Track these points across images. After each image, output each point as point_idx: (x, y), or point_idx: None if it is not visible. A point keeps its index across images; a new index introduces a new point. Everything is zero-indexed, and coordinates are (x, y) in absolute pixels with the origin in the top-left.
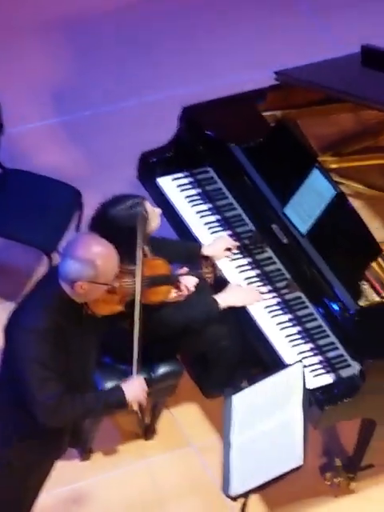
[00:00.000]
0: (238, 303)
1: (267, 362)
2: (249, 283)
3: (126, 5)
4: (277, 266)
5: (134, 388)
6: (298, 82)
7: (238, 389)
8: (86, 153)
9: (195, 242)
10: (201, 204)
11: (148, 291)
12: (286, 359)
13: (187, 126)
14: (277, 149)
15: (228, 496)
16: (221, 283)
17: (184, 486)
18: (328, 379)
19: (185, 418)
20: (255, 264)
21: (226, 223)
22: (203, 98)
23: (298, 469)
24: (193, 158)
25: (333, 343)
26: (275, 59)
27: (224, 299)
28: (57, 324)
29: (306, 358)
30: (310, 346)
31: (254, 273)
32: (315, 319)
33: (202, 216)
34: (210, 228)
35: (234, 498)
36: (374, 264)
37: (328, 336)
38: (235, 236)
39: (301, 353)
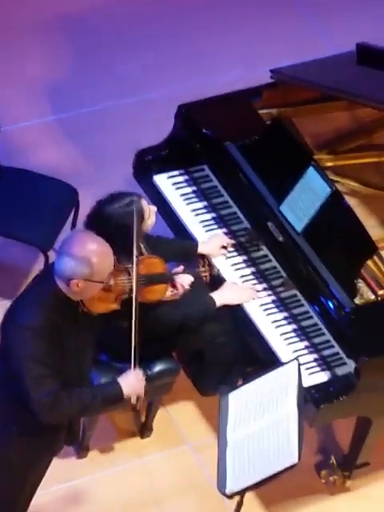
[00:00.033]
0: (233, 301)
1: (263, 360)
2: (244, 281)
3: (122, 4)
4: (272, 264)
5: (131, 381)
6: (294, 80)
7: (234, 387)
8: (82, 151)
9: (191, 240)
10: (196, 202)
11: (144, 290)
12: (282, 357)
13: (183, 124)
14: (272, 147)
15: (224, 494)
16: (217, 282)
17: (180, 483)
18: (323, 377)
19: (181, 416)
20: (251, 262)
21: (222, 221)
22: (199, 96)
23: (293, 467)
24: (189, 156)
25: (328, 341)
26: (271, 58)
27: (220, 297)
28: (52, 321)
29: (301, 355)
30: (305, 343)
31: (249, 271)
32: (311, 317)
33: (198, 214)
34: (205, 226)
35: (230, 496)
36: (369, 262)
37: (323, 334)
38: (231, 234)
39: (296, 351)
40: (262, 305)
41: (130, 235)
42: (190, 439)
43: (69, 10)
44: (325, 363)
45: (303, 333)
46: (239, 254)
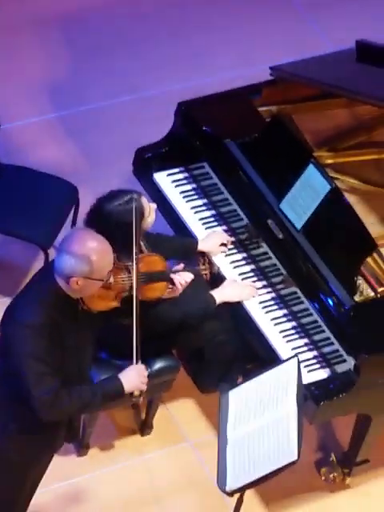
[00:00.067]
0: (233, 298)
1: (263, 358)
2: (244, 278)
3: (122, 3)
4: (272, 262)
5: (132, 376)
6: (293, 77)
7: (234, 384)
8: (82, 148)
9: (191, 238)
10: (196, 199)
11: (144, 287)
12: (282, 354)
13: (183, 122)
14: (272, 144)
15: (224, 491)
16: (217, 279)
17: (180, 481)
18: (323, 374)
19: (181, 413)
20: (250, 259)
21: (222, 219)
22: (199, 94)
23: (293, 464)
24: (188, 154)
25: (328, 338)
26: (271, 56)
27: (220, 294)
28: (52, 319)
29: (301, 353)
30: (305, 341)
31: (249, 268)
32: (310, 314)
33: (198, 211)
34: (205, 223)
35: (230, 493)
36: (369, 259)
37: (323, 331)
38: (230, 231)
39: (296, 348)
40: (261, 302)
41: (129, 233)
42: (190, 437)
43: (69, 9)
44: (324, 360)
45: (303, 330)
46: (239, 252)
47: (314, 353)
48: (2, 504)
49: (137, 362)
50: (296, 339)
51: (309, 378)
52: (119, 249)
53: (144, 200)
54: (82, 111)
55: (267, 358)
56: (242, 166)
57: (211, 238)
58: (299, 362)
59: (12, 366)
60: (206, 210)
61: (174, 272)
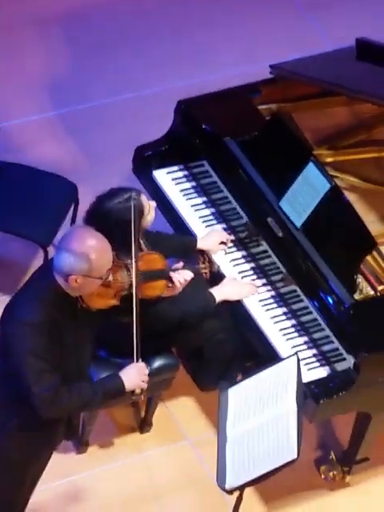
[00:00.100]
0: (233, 297)
1: (262, 356)
2: (244, 277)
3: (124, 0)
4: (272, 260)
5: (133, 374)
6: (293, 75)
7: (234, 382)
8: (82, 146)
9: (191, 236)
10: (196, 197)
11: (144, 286)
12: (281, 353)
13: (183, 120)
14: (272, 142)
15: (223, 489)
16: (217, 278)
17: (180, 479)
18: (323, 373)
19: (180, 411)
20: (250, 257)
21: (221, 217)
22: (199, 92)
23: (292, 462)
24: (188, 152)
25: (328, 337)
26: (271, 54)
27: (220, 292)
28: (51, 317)
29: (300, 351)
30: (304, 339)
31: (249, 266)
32: (310, 313)
33: (197, 209)
34: (204, 221)
35: (230, 491)
36: (369, 257)
37: (323, 329)
38: (230, 230)
39: (296, 346)
40: (261, 300)
41: (129, 231)
42: (189, 435)
43: (70, 6)
44: (324, 359)
45: (302, 328)
46: (238, 250)
47: (314, 351)
48: (1, 502)
49: (137, 361)
50: (296, 337)
51: (308, 376)
52: (118, 247)
53: (144, 198)
54: (82, 109)
55: (267, 356)
56: (241, 164)
57: (211, 236)
58: (299, 360)
59: (12, 364)
60: (206, 208)
61: (174, 270)
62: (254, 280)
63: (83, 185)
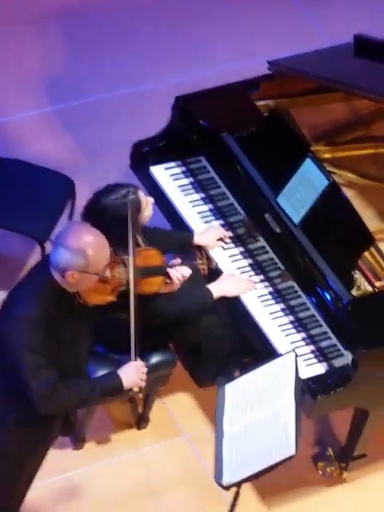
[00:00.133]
0: (231, 293)
1: (260, 352)
2: (241, 273)
3: None
4: (269, 256)
5: (131, 373)
6: (291, 71)
7: (231, 378)
8: (79, 142)
9: (188, 232)
10: (193, 193)
11: (141, 282)
12: (279, 349)
13: (180, 116)
14: (270, 138)
15: (220, 485)
16: (215, 275)
17: (177, 475)
18: (321, 369)
19: (178, 407)
20: (248, 253)
21: (219, 213)
22: (196, 88)
23: (290, 458)
24: (185, 147)
25: (325, 333)
26: (269, 50)
27: (217, 288)
28: (48, 312)
29: (298, 347)
30: (302, 335)
31: (246, 262)
32: (308, 309)
33: (195, 205)
34: (202, 217)
35: (227, 487)
36: (366, 253)
37: (321, 326)
38: (228, 226)
39: (293, 342)
40: (259, 296)
41: (126, 227)
42: (186, 431)
43: (67, 2)
44: (322, 355)
45: (300, 324)
46: (236, 246)
47: (312, 347)
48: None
49: (135, 358)
50: (293, 333)
51: (306, 372)
52: (116, 243)
53: (141, 194)
54: (79, 104)
55: (264, 353)
56: (239, 160)
57: (208, 232)
58: (297, 356)
59: (9, 360)
60: (203, 204)
61: (172, 266)
62: (251, 276)
63: (80, 181)
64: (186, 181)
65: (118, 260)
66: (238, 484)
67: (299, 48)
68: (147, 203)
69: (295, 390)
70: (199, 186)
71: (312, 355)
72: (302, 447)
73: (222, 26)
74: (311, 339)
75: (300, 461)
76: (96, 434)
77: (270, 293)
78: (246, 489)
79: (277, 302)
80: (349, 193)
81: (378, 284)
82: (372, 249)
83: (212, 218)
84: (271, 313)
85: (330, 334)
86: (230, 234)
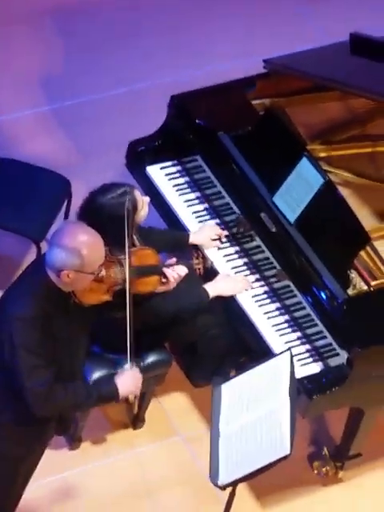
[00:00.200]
0: (226, 292)
1: (256, 351)
2: (237, 272)
3: None
4: (265, 255)
5: (127, 381)
6: (287, 70)
7: (227, 378)
8: (75, 141)
9: (183, 231)
10: (189, 193)
11: (137, 281)
12: (275, 348)
13: (176, 115)
14: (266, 137)
15: (216, 485)
16: (210, 274)
17: (172, 475)
18: (316, 368)
19: (173, 407)
20: (243, 253)
21: (214, 212)
22: (192, 87)
23: (285, 458)
24: (181, 147)
25: (321, 332)
26: (265, 48)
27: (213, 288)
28: (44, 311)
29: (294, 346)
30: (297, 334)
31: (242, 261)
32: (303, 308)
33: (191, 205)
34: (198, 217)
35: (222, 487)
36: (362, 253)
37: (316, 325)
38: (223, 225)
39: (289, 342)
40: (254, 296)
41: (122, 226)
42: (182, 430)
43: (62, 1)
44: (317, 354)
45: (296, 324)
46: (232, 245)
47: (307, 346)
48: None
49: (131, 360)
50: (289, 333)
51: (302, 371)
52: (111, 242)
53: (137, 193)
54: (75, 104)
55: (260, 352)
56: (235, 159)
57: (203, 231)
58: (292, 356)
59: (5, 359)
60: (199, 203)
61: (167, 266)
62: (247, 275)
63: (76, 180)
64: (181, 180)
65: (114, 259)
66: (234, 484)
67: (299, 48)
68: (143, 202)
69: (290, 390)
70: (195, 185)
71: (307, 354)
72: (298, 447)
73: (221, 24)
74: (307, 338)
75: (295, 460)
76: (92, 434)
77: (266, 292)
78: (242, 488)
79: (272, 301)
80: (344, 192)
81: (373, 283)
82: (368, 248)
83: (207, 217)
84: (267, 312)
85: (326, 333)
86: (225, 232)
